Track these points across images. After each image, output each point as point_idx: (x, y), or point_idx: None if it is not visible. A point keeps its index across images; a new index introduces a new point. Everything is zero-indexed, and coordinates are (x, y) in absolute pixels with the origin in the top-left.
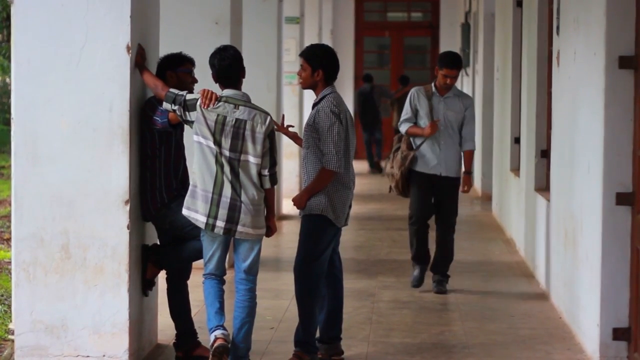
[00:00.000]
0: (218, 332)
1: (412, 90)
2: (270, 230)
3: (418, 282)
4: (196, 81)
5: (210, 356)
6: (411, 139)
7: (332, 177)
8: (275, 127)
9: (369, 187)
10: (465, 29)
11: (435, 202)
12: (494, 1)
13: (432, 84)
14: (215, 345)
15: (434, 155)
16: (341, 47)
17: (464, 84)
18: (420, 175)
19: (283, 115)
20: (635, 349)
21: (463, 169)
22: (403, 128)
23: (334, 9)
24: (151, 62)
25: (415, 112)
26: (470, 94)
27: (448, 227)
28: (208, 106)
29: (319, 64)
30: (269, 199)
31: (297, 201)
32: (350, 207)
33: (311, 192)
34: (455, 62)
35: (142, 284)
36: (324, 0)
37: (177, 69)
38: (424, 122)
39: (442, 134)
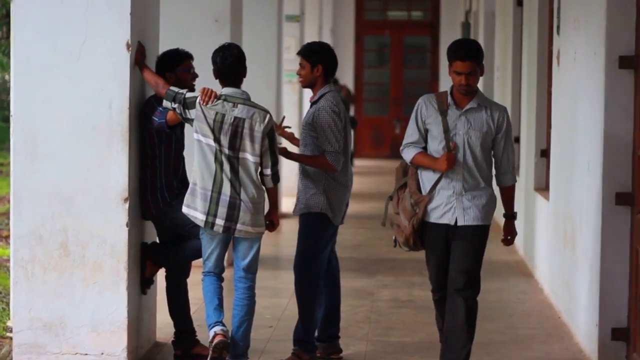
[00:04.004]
0: (217, 328)
1: (420, 101)
2: (273, 225)
3: None
4: (196, 76)
5: (210, 352)
6: (419, 174)
7: (328, 169)
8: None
9: (368, 186)
10: (466, 28)
11: (450, 257)
12: (494, 0)
13: (448, 93)
14: (215, 341)
15: (444, 196)
16: (341, 46)
17: None
18: (432, 226)
19: (284, 117)
20: (634, 349)
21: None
22: (407, 155)
23: (334, 8)
24: (151, 60)
25: (424, 132)
26: None
27: (462, 284)
28: (207, 103)
29: (317, 60)
30: (272, 195)
31: (285, 151)
32: (347, 205)
33: (301, 162)
34: (468, 51)
35: (141, 282)
36: None
37: (176, 69)
38: (435, 147)
39: (459, 164)
